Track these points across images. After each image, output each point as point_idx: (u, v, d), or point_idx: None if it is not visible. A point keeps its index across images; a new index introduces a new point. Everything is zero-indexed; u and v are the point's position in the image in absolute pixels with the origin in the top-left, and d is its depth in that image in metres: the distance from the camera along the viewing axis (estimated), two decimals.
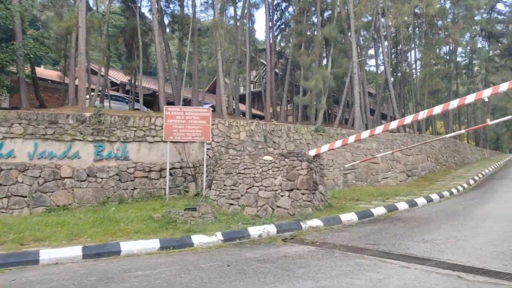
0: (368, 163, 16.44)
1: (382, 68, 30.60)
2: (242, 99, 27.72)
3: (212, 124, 13.05)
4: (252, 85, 35.32)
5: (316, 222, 8.75)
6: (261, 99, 32.70)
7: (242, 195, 10.02)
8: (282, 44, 30.98)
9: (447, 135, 14.29)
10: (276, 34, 29.71)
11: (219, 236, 7.59)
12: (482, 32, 37.30)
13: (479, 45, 37.63)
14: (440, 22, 32.77)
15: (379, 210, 10.21)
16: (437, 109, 9.00)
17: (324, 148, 10.10)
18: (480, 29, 37.07)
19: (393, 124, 9.56)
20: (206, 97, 31.83)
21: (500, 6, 38.54)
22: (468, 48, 36.14)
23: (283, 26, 28.95)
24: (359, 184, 15.84)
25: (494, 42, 37.25)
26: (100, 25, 18.68)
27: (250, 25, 28.93)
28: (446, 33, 30.89)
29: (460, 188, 15.10)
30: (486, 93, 8.41)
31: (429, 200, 12.25)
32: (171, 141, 11.59)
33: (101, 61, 18.82)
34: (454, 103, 8.85)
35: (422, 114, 9.13)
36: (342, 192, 13.62)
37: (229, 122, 13.45)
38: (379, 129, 9.75)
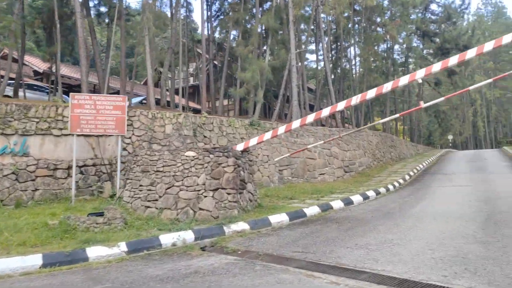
0: (305, 159, 15.77)
1: (322, 64, 30.39)
2: (182, 92, 26.23)
3: (133, 116, 11.65)
4: (192, 78, 33.83)
5: (242, 226, 7.74)
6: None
7: (160, 196, 8.79)
8: (222, 36, 29.87)
9: (381, 121, 13.92)
10: (215, 25, 28.50)
11: (122, 247, 6.34)
12: (417, 31, 38.41)
13: (414, 44, 38.73)
14: (378, 19, 33.24)
15: (312, 210, 9.41)
16: (371, 93, 8.35)
17: (253, 141, 9.11)
18: (415, 28, 38.15)
19: (325, 112, 8.77)
20: (143, 90, 29.94)
21: (433, 7, 39.83)
22: (404, 45, 37.05)
23: (222, 16, 27.79)
24: (296, 180, 15.11)
25: (428, 41, 38.47)
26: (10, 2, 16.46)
27: (187, 13, 27.50)
28: (384, 29, 31.27)
29: (396, 184, 14.83)
30: (419, 74, 7.96)
31: (365, 197, 11.71)
32: (80, 135, 10.06)
33: (12, 44, 16.57)
34: (388, 86, 8.22)
35: (356, 99, 8.44)
36: (276, 189, 12.76)
37: (152, 113, 12.09)
38: (310, 118, 8.92)
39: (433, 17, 39.73)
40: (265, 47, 22.99)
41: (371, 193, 12.17)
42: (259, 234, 7.59)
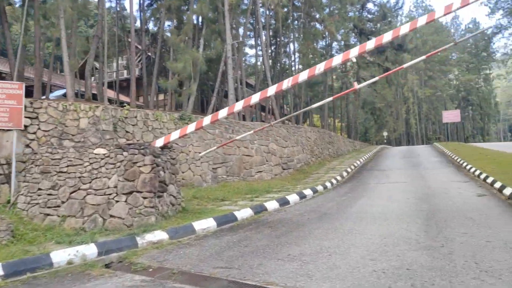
0: (241, 156, 14.83)
1: (261, 59, 29.67)
2: (114, 85, 24.28)
3: (38, 108, 10.02)
4: (126, 71, 31.70)
5: (159, 235, 6.60)
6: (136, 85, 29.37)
7: (63, 202, 7.39)
8: (157, 26, 28.14)
9: (314, 105, 13.27)
10: (149, 15, 26.74)
11: None
12: (355, 29, 38.96)
13: (352, 42, 39.24)
14: (317, 15, 33.16)
15: (244, 213, 8.46)
16: (303, 75, 7.58)
17: (175, 135, 7.95)
18: (353, 26, 38.67)
19: (255, 98, 7.81)
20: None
21: (370, 5, 40.71)
22: (343, 43, 37.37)
23: (155, 6, 26.09)
24: (231, 179, 14.13)
25: (365, 39, 39.03)
26: None
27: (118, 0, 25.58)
28: (322, 25, 31.17)
29: (334, 181, 14.34)
30: (353, 53, 7.32)
31: (302, 196, 10.98)
32: None
33: None
34: (320, 67, 7.45)
35: (287, 83, 7.61)
36: (208, 190, 11.69)
37: (64, 105, 10.50)
38: (238, 105, 7.98)
39: (369, 16, 40.55)
40: (202, 40, 21.79)
41: (308, 192, 11.48)
42: (179, 245, 6.50)
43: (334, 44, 39.76)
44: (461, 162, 18.16)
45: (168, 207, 7.65)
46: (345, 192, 12.11)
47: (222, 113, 7.92)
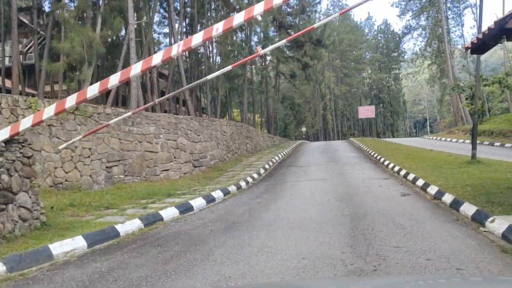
0: (143, 152, 12.80)
1: None
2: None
3: None
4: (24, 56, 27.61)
5: None
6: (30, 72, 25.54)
7: None
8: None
9: (208, 76, 11.73)
10: None
11: None
12: (274, 21, 38.13)
13: (271, 34, 38.44)
14: (237, 6, 31.72)
15: (130, 226, 6.61)
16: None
17: (26, 123, 5.82)
18: (273, 18, 37.81)
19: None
20: None
21: None
22: (262, 34, 36.38)
23: None
24: (130, 179, 12.06)
25: (284, 32, 38.48)
26: None
27: None
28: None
29: (250, 180, 12.92)
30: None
31: (211, 200, 9.35)
32: None
33: None
34: (219, 27, 5.77)
35: (177, 48, 5.83)
36: (96, 194, 9.57)
37: None
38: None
39: (289, 9, 39.98)
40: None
41: (218, 194, 9.88)
42: (21, 281, 4.51)
43: (255, 38, 38.80)
44: (378, 158, 17.81)
45: (15, 224, 5.54)
46: (261, 192, 10.70)
47: (92, 90, 5.93)
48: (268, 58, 41.65)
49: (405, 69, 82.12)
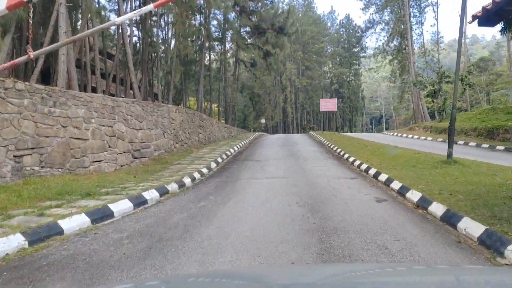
0: (68, 139, 10.53)
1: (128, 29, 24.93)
2: None
3: None
4: None
5: None
6: None
7: None
8: None
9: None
10: None
11: None
12: (235, 6, 36.06)
13: (231, 18, 36.37)
14: None
15: (3, 245, 4.53)
16: None
17: None
18: (234, 3, 35.72)
19: None
20: None
21: None
22: (222, 18, 34.23)
23: None
24: (48, 172, 9.80)
25: (245, 18, 36.55)
26: None
27: None
28: None
29: (197, 176, 11.00)
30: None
31: (140, 202, 7.36)
32: None
33: None
34: None
35: None
36: None
37: None
38: None
39: None
40: None
41: (152, 194, 7.89)
42: None
43: (214, 23, 36.60)
44: (341, 153, 16.38)
45: None
46: (207, 192, 8.81)
47: None
48: (228, 45, 39.58)
49: (365, 66, 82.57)
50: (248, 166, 13.68)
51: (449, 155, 11.07)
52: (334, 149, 18.59)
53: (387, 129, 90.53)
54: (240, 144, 22.06)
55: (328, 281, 1.59)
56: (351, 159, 14.00)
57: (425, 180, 8.42)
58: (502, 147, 18.54)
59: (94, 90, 22.10)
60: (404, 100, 53.15)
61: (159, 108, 15.21)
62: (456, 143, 22.45)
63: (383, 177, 9.59)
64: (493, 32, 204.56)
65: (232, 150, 18.02)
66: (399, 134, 32.38)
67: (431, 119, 36.82)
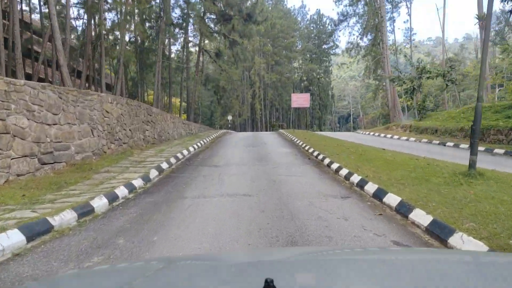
0: None
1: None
2: None
3: None
4: None
5: None
6: None
7: None
8: None
9: None
10: None
11: None
12: None
13: (194, 1, 32.76)
14: None
15: None
16: None
17: None
18: None
19: None
20: None
21: None
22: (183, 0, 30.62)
23: None
24: None
25: (210, 3, 33.01)
26: None
27: None
28: None
29: (122, 194, 7.56)
30: None
31: None
32: None
33: None
34: None
35: None
36: None
37: None
38: None
39: None
40: None
41: (14, 237, 4.45)
42: None
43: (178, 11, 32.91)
44: (320, 157, 13.32)
45: None
46: (119, 229, 5.41)
47: None
48: (190, 31, 35.91)
49: (337, 63, 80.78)
50: (201, 174, 10.34)
51: (472, 164, 8.14)
52: (310, 151, 15.54)
53: (354, 128, 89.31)
54: (199, 143, 18.66)
55: (293, 259, 1.73)
56: (334, 166, 10.93)
57: (465, 209, 5.36)
58: (501, 151, 16.02)
59: (14, 74, 18.21)
60: (377, 98, 51.05)
61: (87, 97, 11.57)
62: (445, 145, 19.94)
63: (392, 199, 6.51)
64: (456, 35, 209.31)
65: (185, 152, 14.59)
66: (376, 134, 29.82)
67: (408, 118, 34.53)
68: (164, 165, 11.11)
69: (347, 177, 9.32)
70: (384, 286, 1.26)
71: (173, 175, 10.32)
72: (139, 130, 15.11)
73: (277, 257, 1.80)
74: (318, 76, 76.85)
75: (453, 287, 1.23)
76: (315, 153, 14.37)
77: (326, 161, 12.13)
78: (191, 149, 15.89)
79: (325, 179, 9.57)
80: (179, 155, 13.45)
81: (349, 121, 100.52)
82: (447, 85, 28.11)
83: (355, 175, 9.00)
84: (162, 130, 18.81)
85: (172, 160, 12.13)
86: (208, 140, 21.76)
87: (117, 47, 22.94)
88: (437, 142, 20.79)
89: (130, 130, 14.13)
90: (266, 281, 1.04)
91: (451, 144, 19.58)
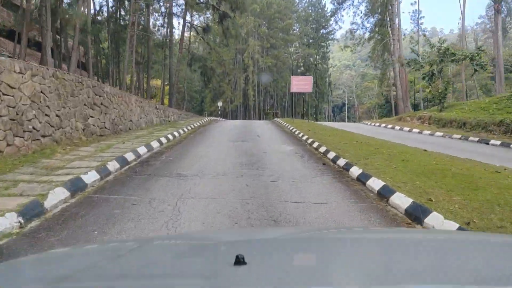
0: None
1: None
2: None
3: None
4: None
5: None
6: None
7: None
8: None
9: None
10: None
11: None
12: None
13: None
14: None
15: None
16: None
17: None
18: None
19: None
20: None
21: None
22: None
23: None
24: None
25: None
26: None
27: None
28: None
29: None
30: None
31: None
32: None
33: None
34: None
35: None
36: None
37: None
38: None
39: None
40: None
41: None
42: None
43: None
44: (340, 162, 8.94)
45: None
46: None
47: None
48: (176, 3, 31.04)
49: (332, 52, 76.49)
50: (148, 197, 5.89)
51: None
52: (321, 150, 11.16)
53: (349, 118, 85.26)
54: (171, 135, 14.17)
55: (283, 237, 1.71)
56: (373, 184, 6.55)
57: None
58: None
59: None
60: (384, 85, 46.69)
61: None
62: (488, 143, 15.65)
63: None
64: (451, 26, 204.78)
65: (143, 150, 10.07)
66: (389, 126, 25.51)
67: (423, 109, 30.21)
68: (90, 177, 6.61)
69: (411, 212, 4.96)
70: (362, 264, 1.23)
71: (95, 199, 5.83)
72: (75, 117, 10.51)
73: (255, 237, 1.79)
74: (315, 62, 72.14)
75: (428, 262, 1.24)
76: (331, 155, 9.97)
77: (355, 171, 7.75)
78: (155, 144, 11.37)
79: (370, 214, 5.18)
80: (130, 155, 8.95)
81: (343, 111, 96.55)
82: (475, 70, 23.79)
83: (434, 213, 4.63)
84: (121, 117, 14.17)
85: (112, 167, 7.62)
86: (186, 130, 17.26)
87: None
88: (476, 139, 16.49)
89: (58, 116, 9.54)
90: (237, 257, 1.03)
91: (497, 142, 15.29)
